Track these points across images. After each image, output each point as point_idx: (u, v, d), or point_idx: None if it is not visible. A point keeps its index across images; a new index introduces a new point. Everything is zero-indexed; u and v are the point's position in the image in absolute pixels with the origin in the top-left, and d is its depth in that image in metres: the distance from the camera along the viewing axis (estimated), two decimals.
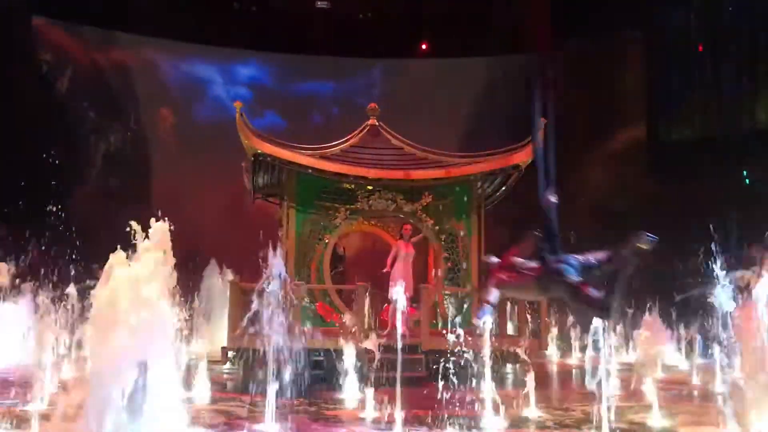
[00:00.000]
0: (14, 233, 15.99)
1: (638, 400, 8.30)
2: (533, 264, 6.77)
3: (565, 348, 15.61)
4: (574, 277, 6.41)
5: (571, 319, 15.82)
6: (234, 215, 21.25)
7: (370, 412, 7.58)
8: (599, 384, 6.97)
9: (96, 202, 21.42)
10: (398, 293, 11.41)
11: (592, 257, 6.62)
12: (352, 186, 12.17)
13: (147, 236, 5.20)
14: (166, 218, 5.34)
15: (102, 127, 22.97)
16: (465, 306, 12.19)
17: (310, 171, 11.72)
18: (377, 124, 13.09)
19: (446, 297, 12.31)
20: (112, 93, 23.48)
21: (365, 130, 13.00)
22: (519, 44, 24.20)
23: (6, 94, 19.27)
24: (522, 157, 12.13)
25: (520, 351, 9.30)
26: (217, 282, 16.15)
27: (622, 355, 13.83)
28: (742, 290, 7.07)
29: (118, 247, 5.11)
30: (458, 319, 11.27)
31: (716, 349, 11.59)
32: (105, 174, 22.61)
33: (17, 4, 20.94)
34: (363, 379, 8.55)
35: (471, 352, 8.18)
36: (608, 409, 6.69)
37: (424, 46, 25.49)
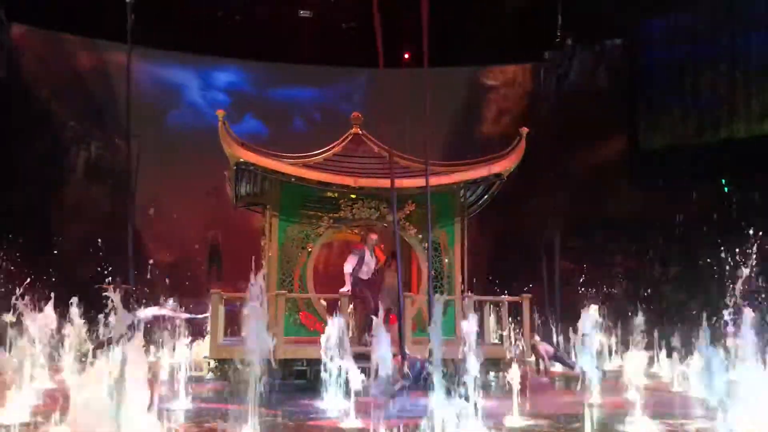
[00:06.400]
0: None
1: (623, 406, 8.32)
2: None
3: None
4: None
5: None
6: (217, 224, 21.14)
7: (352, 422, 7.54)
8: (585, 390, 6.98)
9: (77, 209, 21.27)
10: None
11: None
12: (336, 194, 12.14)
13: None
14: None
15: (82, 136, 22.79)
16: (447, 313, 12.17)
17: (293, 180, 11.67)
18: (360, 132, 13.09)
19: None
20: (94, 101, 23.31)
21: (348, 139, 12.98)
22: (502, 55, 24.40)
23: None
24: (504, 165, 12.19)
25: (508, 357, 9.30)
26: None
27: (606, 362, 13.86)
28: None
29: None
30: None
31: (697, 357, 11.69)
32: (86, 182, 22.42)
33: None
34: (346, 389, 8.49)
35: (454, 359, 8.17)
36: (593, 415, 6.68)
37: (407, 56, 25.53)
